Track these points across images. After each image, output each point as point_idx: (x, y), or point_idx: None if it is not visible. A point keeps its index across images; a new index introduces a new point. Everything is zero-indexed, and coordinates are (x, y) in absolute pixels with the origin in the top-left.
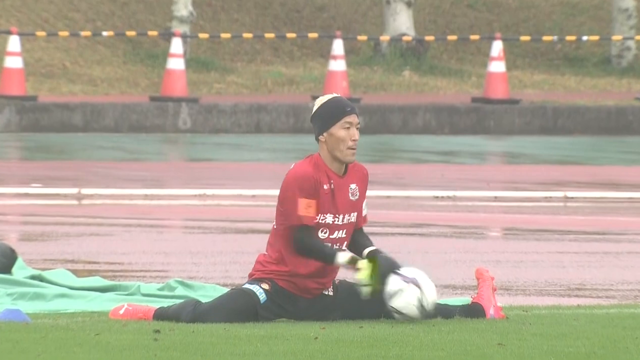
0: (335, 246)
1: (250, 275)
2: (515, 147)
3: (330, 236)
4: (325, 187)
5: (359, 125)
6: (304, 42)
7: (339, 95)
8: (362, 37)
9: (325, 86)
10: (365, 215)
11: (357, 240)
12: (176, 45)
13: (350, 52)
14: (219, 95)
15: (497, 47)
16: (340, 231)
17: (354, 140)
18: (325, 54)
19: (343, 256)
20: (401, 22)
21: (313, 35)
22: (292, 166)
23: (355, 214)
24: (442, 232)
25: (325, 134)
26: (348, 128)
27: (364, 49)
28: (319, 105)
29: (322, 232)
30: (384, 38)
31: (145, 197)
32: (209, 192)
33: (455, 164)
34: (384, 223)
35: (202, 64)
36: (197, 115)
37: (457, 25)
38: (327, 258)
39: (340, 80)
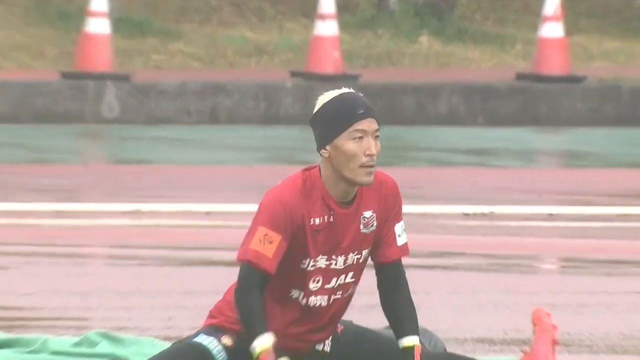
0: (333, 297)
1: (207, 322)
2: (578, 143)
3: (326, 285)
4: (316, 221)
5: (378, 133)
6: None
7: (352, 91)
8: None
9: (309, 57)
10: (405, 245)
11: (395, 306)
12: (99, 0)
13: (345, 9)
14: (159, 70)
15: (552, 2)
16: (342, 277)
17: (369, 155)
18: (309, 12)
19: (260, 344)
20: None
21: None
22: (279, 183)
23: (367, 250)
24: (474, 264)
25: (328, 147)
26: (360, 138)
27: (364, 5)
28: (321, 105)
29: (313, 282)
30: None
31: (56, 214)
32: (144, 207)
33: (493, 167)
34: None
35: (134, 26)
36: (128, 98)
37: None
38: (249, 334)
39: (330, 49)
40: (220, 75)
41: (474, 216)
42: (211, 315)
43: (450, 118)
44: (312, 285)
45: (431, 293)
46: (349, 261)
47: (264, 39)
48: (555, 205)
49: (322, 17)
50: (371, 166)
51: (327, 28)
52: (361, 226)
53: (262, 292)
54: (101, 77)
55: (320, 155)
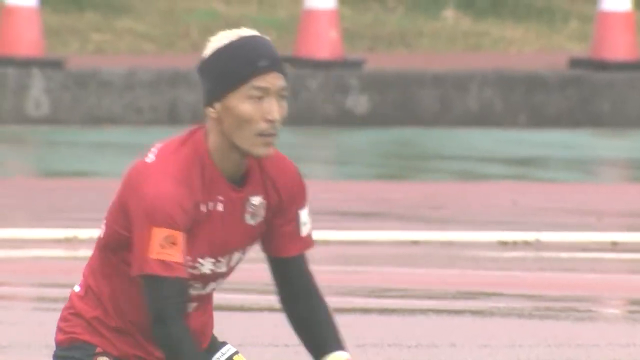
0: (196, 305)
1: (60, 339)
2: None
3: (201, 292)
4: (207, 206)
5: (284, 93)
6: None
7: (255, 33)
8: None
9: (299, 38)
10: (310, 235)
11: (307, 314)
12: None
13: None
14: (101, 54)
15: None
16: (219, 281)
17: (270, 120)
18: None
19: None
20: None
21: None
22: (154, 158)
23: (250, 247)
24: (514, 308)
25: (217, 106)
26: (260, 98)
27: None
28: (212, 50)
29: (193, 289)
30: None
31: None
32: (82, 234)
33: (539, 181)
34: (406, 291)
35: None
36: (61, 91)
37: None
38: None
39: (326, 27)
40: (181, 61)
41: (515, 245)
42: (61, 330)
43: (483, 117)
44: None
45: (458, 346)
46: (233, 262)
47: (238, 14)
48: (621, 231)
49: None
50: (272, 135)
51: (321, 0)
52: (247, 216)
53: (182, 310)
54: (26, 64)
55: (207, 115)
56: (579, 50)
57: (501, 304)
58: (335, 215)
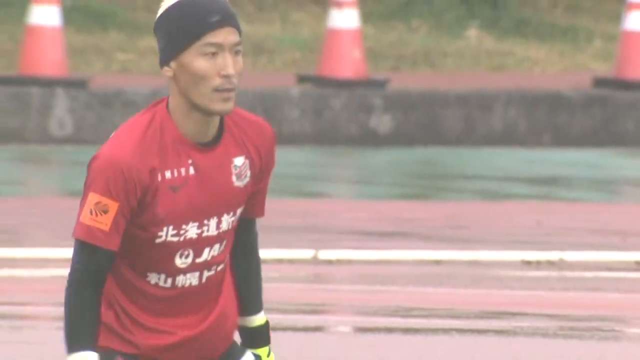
0: (207, 274)
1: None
2: None
3: (197, 260)
4: (167, 175)
5: (239, 48)
6: None
7: None
8: None
9: (322, 57)
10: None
11: (244, 283)
12: None
13: None
14: (125, 73)
15: None
16: (216, 246)
17: (225, 75)
18: None
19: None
20: None
21: None
22: (118, 129)
23: (241, 209)
24: (538, 328)
25: (172, 64)
26: (214, 54)
27: None
28: (165, 7)
29: (181, 257)
30: None
31: None
32: None
33: (563, 201)
34: (429, 310)
35: (93, 16)
36: (85, 111)
37: None
38: (68, 343)
39: (350, 46)
40: None
41: (539, 265)
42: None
43: (507, 137)
44: (180, 262)
45: None
46: (224, 225)
47: (262, 33)
48: None
49: (339, 4)
50: (229, 90)
51: (345, 19)
52: (234, 177)
53: (100, 283)
54: (49, 84)
55: (164, 73)
56: (603, 69)
57: (525, 323)
58: (359, 235)
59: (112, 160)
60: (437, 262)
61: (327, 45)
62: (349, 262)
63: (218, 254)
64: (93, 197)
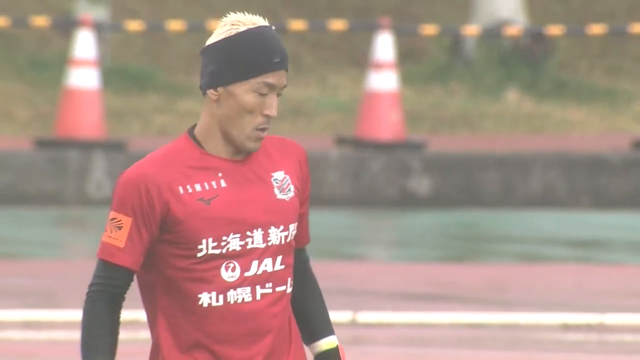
0: (261, 291)
1: None
2: None
3: (245, 273)
4: (196, 187)
5: (282, 90)
6: (321, 37)
7: (268, 25)
8: (429, 29)
9: (360, 120)
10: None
11: (302, 303)
12: (84, 44)
13: (407, 56)
14: (164, 136)
15: None
16: (267, 261)
17: (267, 115)
18: (361, 61)
19: None
20: (502, 1)
21: (338, 24)
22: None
23: (294, 225)
24: None
25: (220, 89)
26: (264, 95)
27: (433, 51)
28: (226, 34)
29: (228, 270)
30: (470, 30)
31: (27, 325)
32: (143, 316)
33: (603, 263)
34: None
35: (132, 78)
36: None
37: (605, 7)
38: (81, 356)
39: (388, 109)
40: None
41: (578, 328)
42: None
43: (546, 199)
44: (228, 275)
45: None
46: (272, 239)
47: (301, 96)
48: None
49: (378, 66)
50: (265, 129)
51: (384, 81)
52: (276, 190)
53: (115, 299)
54: (87, 146)
55: (205, 94)
56: None
57: None
58: (398, 297)
59: (129, 177)
60: (476, 325)
61: (366, 107)
62: (389, 325)
63: (272, 271)
64: (112, 215)
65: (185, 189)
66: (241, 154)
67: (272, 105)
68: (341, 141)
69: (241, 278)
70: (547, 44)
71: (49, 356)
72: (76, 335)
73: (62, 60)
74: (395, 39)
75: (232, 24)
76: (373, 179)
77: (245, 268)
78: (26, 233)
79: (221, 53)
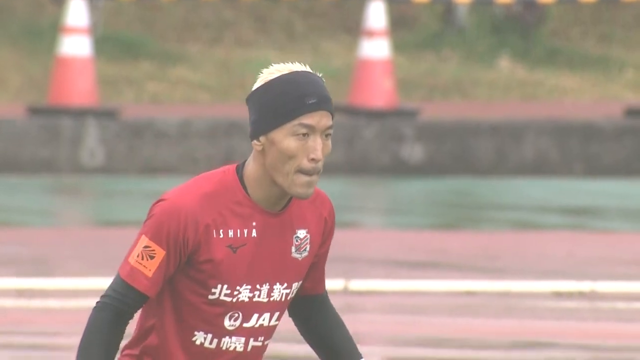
0: (252, 343)
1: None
2: None
3: (245, 324)
4: (230, 234)
5: (329, 132)
6: (314, 5)
7: (306, 69)
8: None
9: (353, 87)
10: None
11: (330, 340)
12: (77, 12)
13: (400, 24)
14: (156, 104)
15: None
16: (265, 316)
17: (312, 159)
18: (353, 28)
19: None
20: None
21: None
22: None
23: (298, 284)
24: (570, 358)
25: (262, 139)
26: (305, 135)
27: (425, 19)
28: (263, 82)
29: (230, 318)
30: None
31: (20, 293)
32: None
33: (595, 231)
34: (461, 341)
35: (124, 46)
36: (116, 141)
37: None
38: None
39: (381, 76)
40: (236, 111)
41: (570, 296)
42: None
43: (539, 166)
44: (229, 323)
45: None
46: (275, 295)
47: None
48: None
49: (370, 34)
50: (314, 174)
51: (376, 48)
52: (293, 248)
53: (124, 316)
54: (81, 114)
55: (252, 146)
56: (635, 99)
57: (557, 354)
58: (391, 265)
59: (172, 207)
60: (469, 293)
61: (358, 75)
62: (380, 292)
63: (267, 326)
64: (143, 240)
65: (218, 233)
66: (281, 204)
67: (316, 148)
68: (334, 109)
69: (239, 328)
70: (539, 11)
71: (41, 324)
72: (70, 303)
73: (55, 28)
74: (387, 6)
75: (270, 73)
76: (366, 147)
77: (246, 319)
78: (19, 201)
79: (257, 103)
